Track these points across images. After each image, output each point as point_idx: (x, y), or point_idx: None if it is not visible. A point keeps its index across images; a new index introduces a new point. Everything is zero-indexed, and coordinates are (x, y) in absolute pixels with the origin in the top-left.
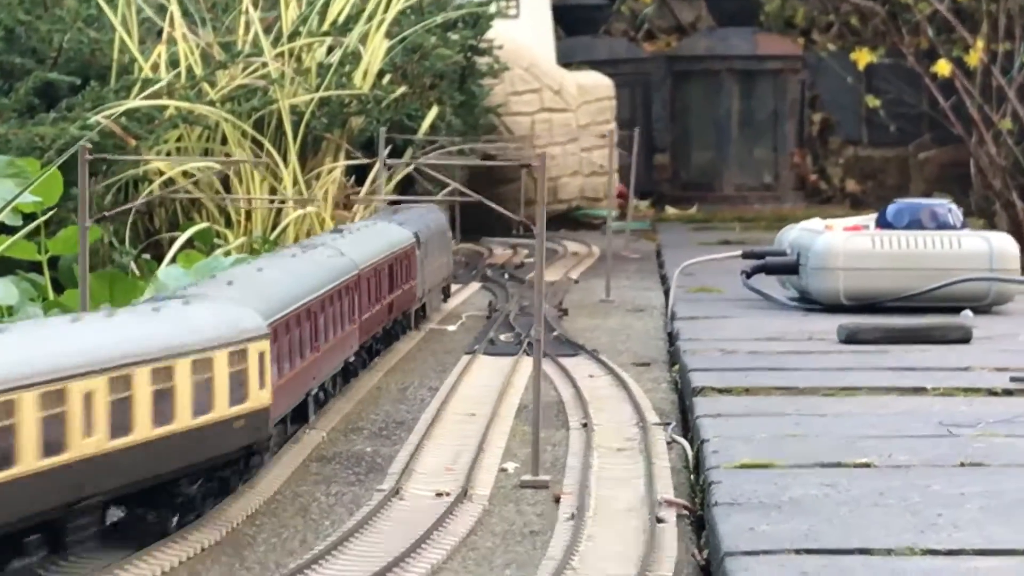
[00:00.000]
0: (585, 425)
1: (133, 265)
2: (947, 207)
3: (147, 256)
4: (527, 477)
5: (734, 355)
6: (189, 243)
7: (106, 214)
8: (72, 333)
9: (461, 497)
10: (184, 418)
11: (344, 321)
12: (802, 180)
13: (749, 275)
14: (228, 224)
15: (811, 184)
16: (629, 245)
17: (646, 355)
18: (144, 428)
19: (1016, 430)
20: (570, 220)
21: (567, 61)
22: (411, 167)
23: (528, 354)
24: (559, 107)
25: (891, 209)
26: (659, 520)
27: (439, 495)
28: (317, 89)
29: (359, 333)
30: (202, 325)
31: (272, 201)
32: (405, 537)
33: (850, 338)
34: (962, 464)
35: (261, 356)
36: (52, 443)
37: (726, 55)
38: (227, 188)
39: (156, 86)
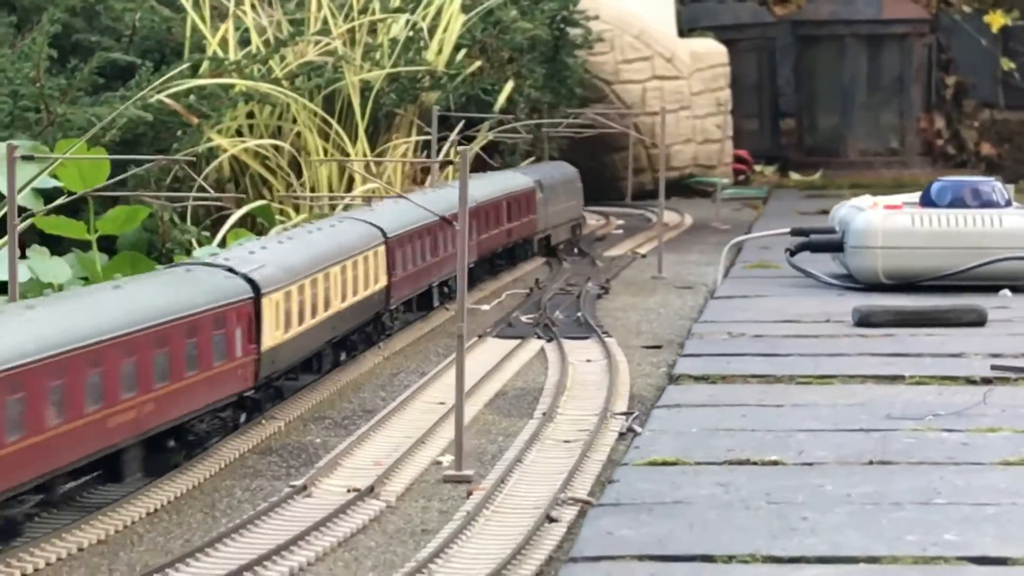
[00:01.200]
0: (545, 414)
1: (194, 242)
2: (991, 184)
3: (207, 234)
4: (450, 472)
5: (738, 339)
6: (253, 220)
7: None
8: (310, 240)
9: (366, 494)
10: (361, 291)
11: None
12: (929, 145)
13: (793, 253)
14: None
15: (938, 149)
16: (719, 215)
17: (665, 337)
18: (351, 296)
19: (958, 424)
20: (683, 188)
21: (691, 27)
22: (481, 141)
23: (539, 337)
24: (671, 75)
25: (934, 187)
26: (551, 519)
27: (350, 491)
28: (389, 65)
29: (477, 249)
30: (360, 235)
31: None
32: (285, 537)
33: (863, 321)
34: (870, 462)
35: (382, 255)
36: (327, 303)
37: (851, 19)
38: (296, 167)
39: (201, 64)
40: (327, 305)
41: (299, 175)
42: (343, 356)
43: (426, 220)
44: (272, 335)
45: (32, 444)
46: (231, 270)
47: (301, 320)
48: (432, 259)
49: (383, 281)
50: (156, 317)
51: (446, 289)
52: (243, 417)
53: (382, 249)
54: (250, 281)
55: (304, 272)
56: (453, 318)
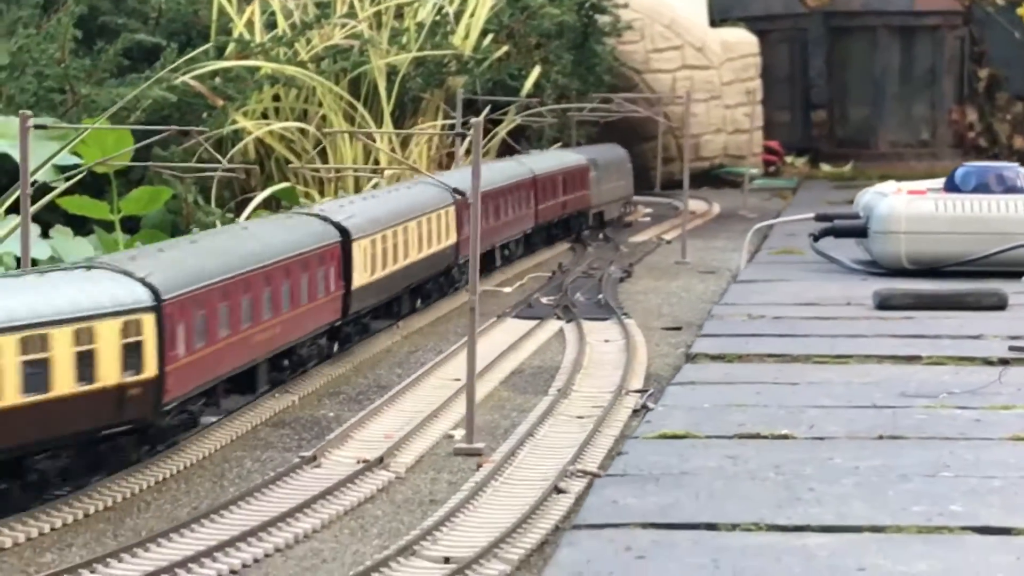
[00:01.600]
0: (560, 391)
1: (218, 224)
2: (1016, 170)
3: (231, 215)
4: (461, 445)
5: (758, 321)
6: (277, 203)
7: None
8: (390, 198)
9: (375, 465)
10: (435, 245)
11: (522, 206)
12: (961, 137)
13: (817, 238)
14: (321, 184)
15: (969, 142)
16: (747, 204)
17: (685, 319)
18: (426, 249)
19: (971, 401)
20: (713, 177)
21: (723, 17)
22: (510, 125)
23: (559, 318)
24: (701, 64)
25: (959, 172)
26: (559, 491)
27: (359, 462)
28: (416, 49)
29: (535, 216)
30: (434, 196)
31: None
32: (291, 505)
33: (883, 304)
34: (880, 437)
35: (452, 214)
36: (406, 252)
37: (883, 11)
38: (322, 150)
39: (227, 46)
40: (406, 254)
41: (324, 159)
42: (419, 303)
43: (494, 186)
44: (360, 275)
45: (209, 353)
46: (325, 218)
47: (384, 265)
48: (496, 222)
49: (453, 238)
50: (281, 253)
51: (507, 252)
52: (336, 347)
53: (452, 209)
54: (342, 228)
55: (387, 224)
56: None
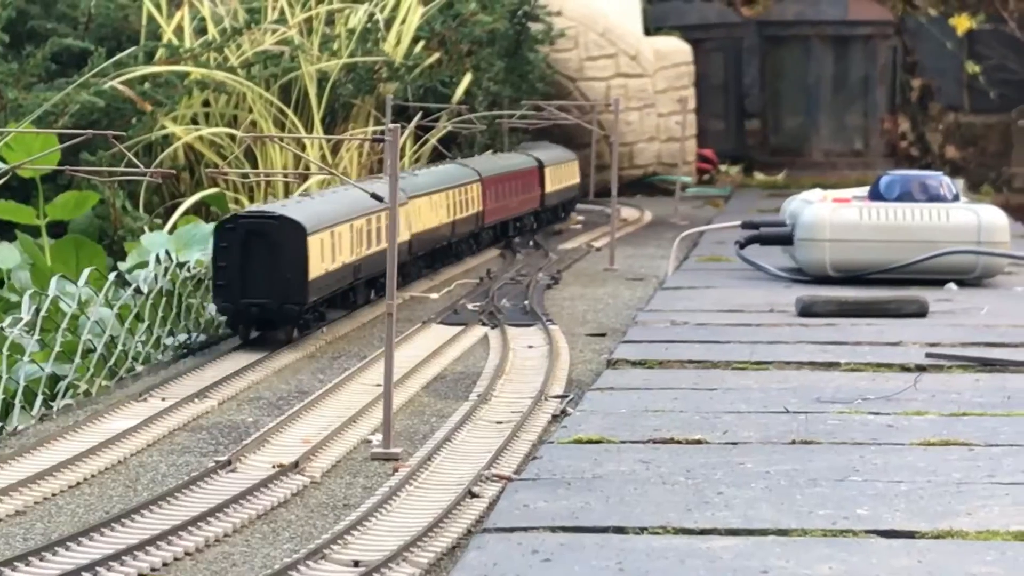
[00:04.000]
0: (480, 397)
1: (146, 229)
2: (939, 179)
3: (159, 221)
4: (378, 450)
5: (681, 327)
6: (207, 209)
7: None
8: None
9: (290, 469)
10: (568, 181)
11: (532, 188)
12: (893, 147)
13: (743, 245)
14: (251, 190)
15: (902, 151)
16: (679, 212)
17: (610, 326)
18: (564, 183)
19: (886, 407)
20: (646, 185)
21: (658, 26)
22: (440, 132)
23: (484, 324)
24: (635, 72)
25: (883, 181)
26: (473, 495)
27: (275, 467)
28: (346, 55)
29: (540, 199)
30: (561, 154)
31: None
32: (202, 509)
33: (805, 311)
34: (793, 442)
35: (577, 165)
36: (563, 181)
37: (816, 20)
38: (252, 156)
39: (156, 51)
40: (564, 181)
41: (255, 164)
42: (562, 213)
43: (512, 168)
44: (549, 186)
45: (494, 207)
46: (529, 155)
47: (559, 182)
48: (508, 200)
49: (577, 178)
50: (516, 167)
51: (518, 224)
52: (535, 224)
53: (576, 162)
54: (539, 160)
55: (559, 161)
56: (399, 306)
